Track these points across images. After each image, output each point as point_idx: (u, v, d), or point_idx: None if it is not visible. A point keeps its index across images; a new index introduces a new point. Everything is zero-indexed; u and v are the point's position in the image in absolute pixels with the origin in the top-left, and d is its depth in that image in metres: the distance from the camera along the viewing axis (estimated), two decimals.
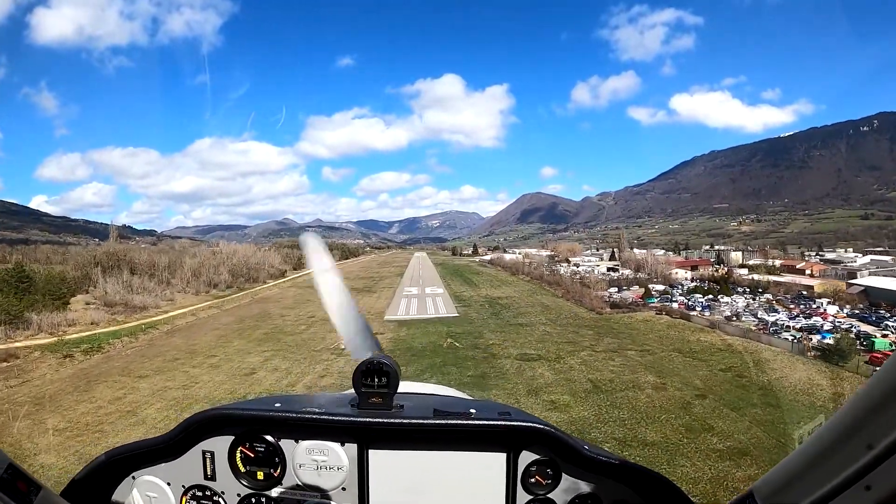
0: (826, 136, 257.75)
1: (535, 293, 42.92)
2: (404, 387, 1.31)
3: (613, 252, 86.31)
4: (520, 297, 40.78)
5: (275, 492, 1.20)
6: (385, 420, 1.14)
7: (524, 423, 1.15)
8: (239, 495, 1.22)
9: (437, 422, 1.13)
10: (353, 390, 1.21)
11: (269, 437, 1.18)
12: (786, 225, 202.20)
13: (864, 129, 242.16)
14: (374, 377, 1.16)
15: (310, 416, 1.14)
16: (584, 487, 1.18)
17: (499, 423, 1.14)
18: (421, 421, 1.13)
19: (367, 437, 1.16)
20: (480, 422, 1.14)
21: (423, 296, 43.74)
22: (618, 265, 71.13)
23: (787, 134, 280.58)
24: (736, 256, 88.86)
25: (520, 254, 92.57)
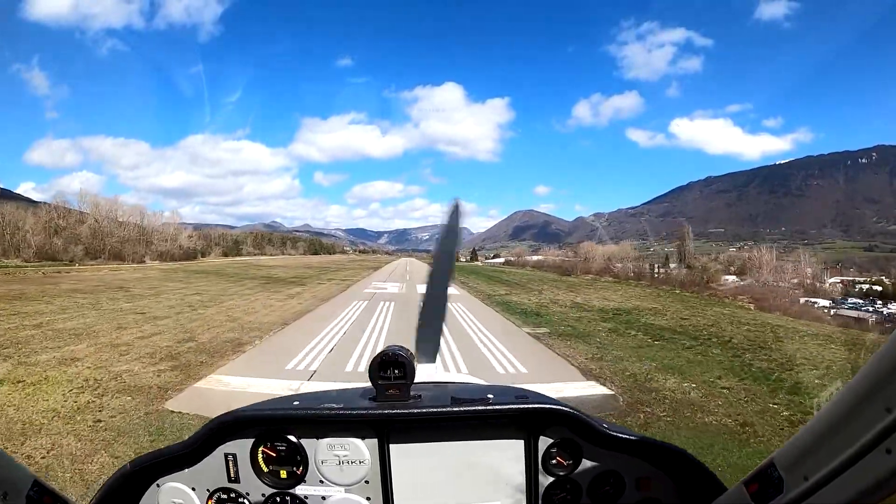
0: (823, 166, 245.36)
1: (692, 303, 17.92)
2: (421, 376, 1.25)
3: (667, 257, 63.15)
4: (672, 310, 15.60)
5: (299, 490, 1.14)
6: (403, 411, 1.10)
7: (542, 405, 1.11)
8: (263, 495, 1.15)
9: (456, 409, 1.09)
10: (370, 383, 1.15)
11: (289, 436, 1.14)
12: (788, 252, 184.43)
13: (863, 161, 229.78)
14: (391, 369, 1.12)
15: (329, 411, 1.10)
16: (606, 466, 1.14)
17: (517, 406, 1.11)
18: (439, 409, 1.09)
19: (386, 429, 1.12)
20: (499, 406, 1.10)
21: (413, 300, 17.80)
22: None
23: (783, 161, 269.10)
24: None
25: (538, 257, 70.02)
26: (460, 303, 17.00)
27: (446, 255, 1.45)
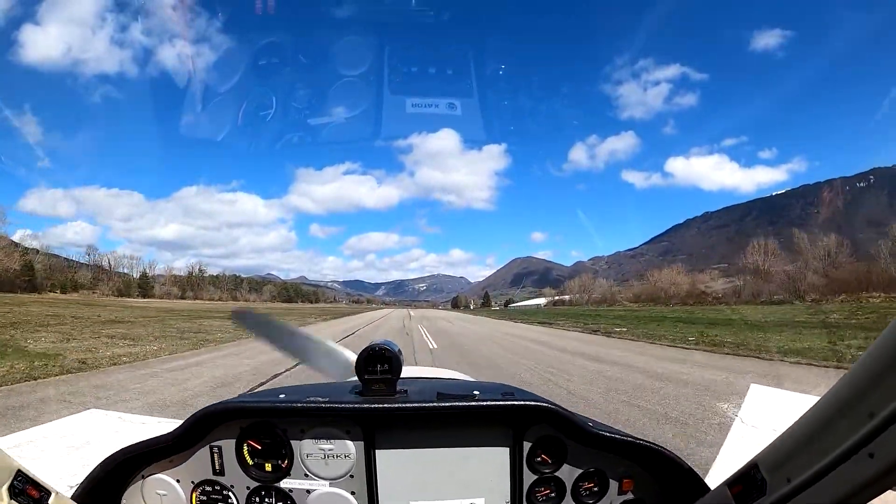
0: (820, 193, 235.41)
1: None
2: (408, 371, 1.24)
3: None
4: None
5: (283, 483, 1.12)
6: (389, 406, 1.08)
7: (528, 402, 1.09)
8: (248, 488, 1.13)
9: (441, 405, 1.07)
10: (356, 378, 1.13)
11: (275, 429, 1.12)
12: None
13: (861, 185, 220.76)
14: (377, 363, 1.10)
15: (315, 405, 1.08)
16: (590, 464, 1.13)
17: (503, 403, 1.08)
18: (425, 405, 1.08)
19: (372, 424, 1.10)
20: (484, 403, 1.08)
21: None
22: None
23: (780, 192, 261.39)
24: None
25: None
26: None
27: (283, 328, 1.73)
